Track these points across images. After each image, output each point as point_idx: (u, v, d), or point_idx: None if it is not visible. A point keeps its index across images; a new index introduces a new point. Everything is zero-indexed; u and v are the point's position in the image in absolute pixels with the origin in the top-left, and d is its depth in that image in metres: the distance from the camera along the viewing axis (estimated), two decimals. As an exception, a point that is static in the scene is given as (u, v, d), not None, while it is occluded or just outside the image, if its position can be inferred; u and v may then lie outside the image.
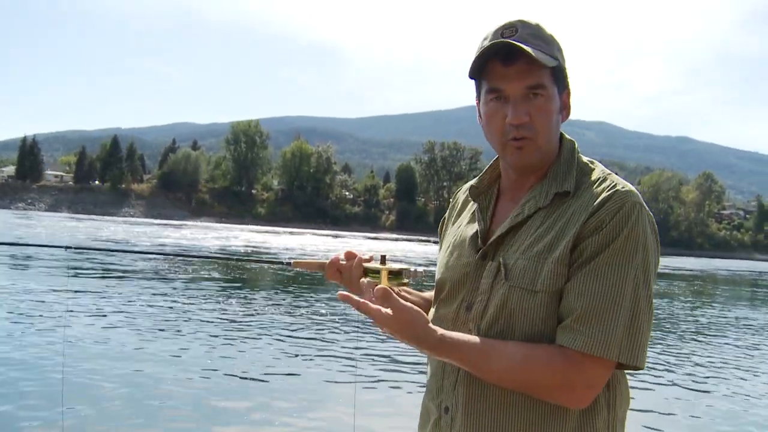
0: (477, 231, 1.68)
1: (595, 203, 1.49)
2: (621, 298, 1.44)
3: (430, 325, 1.48)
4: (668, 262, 57.99)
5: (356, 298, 1.46)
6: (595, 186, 1.55)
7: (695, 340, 13.46)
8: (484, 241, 1.65)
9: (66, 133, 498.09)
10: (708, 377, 9.82)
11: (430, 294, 1.89)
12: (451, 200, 1.94)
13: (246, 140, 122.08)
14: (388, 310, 1.44)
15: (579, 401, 1.47)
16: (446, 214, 1.93)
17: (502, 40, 1.53)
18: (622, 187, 1.51)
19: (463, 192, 1.88)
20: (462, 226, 1.78)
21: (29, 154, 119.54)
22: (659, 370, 9.98)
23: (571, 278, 1.48)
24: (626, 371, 1.56)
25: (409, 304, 1.48)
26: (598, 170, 1.60)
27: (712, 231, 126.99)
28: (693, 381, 9.47)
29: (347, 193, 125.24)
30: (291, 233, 70.31)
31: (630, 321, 1.44)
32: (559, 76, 1.58)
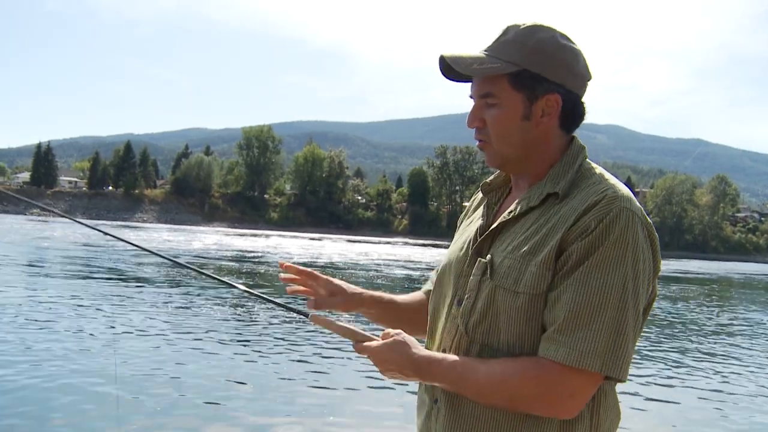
0: (479, 227, 1.70)
1: (583, 207, 1.47)
2: (605, 307, 1.41)
3: (416, 346, 1.58)
4: (682, 266, 57.72)
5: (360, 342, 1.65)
6: (587, 190, 1.52)
7: (708, 345, 13.40)
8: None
9: (80, 139, 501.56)
10: (718, 381, 9.78)
11: (388, 297, 1.96)
12: (474, 195, 1.94)
13: (258, 145, 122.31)
14: (374, 343, 1.62)
15: (564, 412, 1.46)
16: (467, 207, 1.95)
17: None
18: (613, 193, 1.48)
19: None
20: (472, 221, 1.80)
21: (44, 161, 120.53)
22: (669, 374, 9.95)
23: (556, 286, 1.46)
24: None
25: (396, 331, 1.62)
26: (598, 175, 1.57)
27: (726, 234, 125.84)
28: (703, 384, 9.46)
29: (360, 198, 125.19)
30: (305, 238, 70.36)
31: (614, 331, 1.41)
32: (526, 82, 1.56)
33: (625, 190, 1.51)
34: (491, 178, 1.79)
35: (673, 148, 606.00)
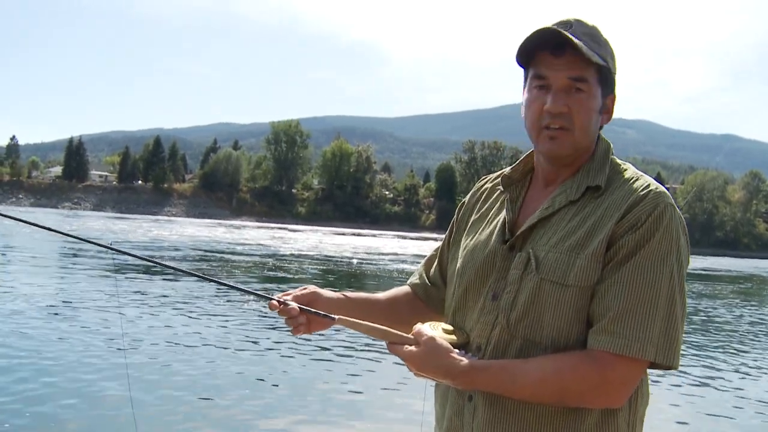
0: (504, 220, 1.69)
1: (630, 201, 1.51)
2: (657, 298, 1.45)
3: (454, 353, 1.53)
4: (713, 263, 56.86)
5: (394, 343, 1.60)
6: (628, 184, 1.56)
7: (736, 344, 13.17)
8: (512, 232, 1.66)
9: (110, 134, 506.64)
10: (742, 380, 9.63)
11: (358, 295, 1.89)
12: (474, 187, 1.93)
13: (286, 140, 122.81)
14: (413, 347, 1.56)
15: (616, 401, 1.49)
16: (466, 199, 1.93)
17: (555, 28, 1.55)
18: (656, 188, 1.53)
19: (490, 181, 1.89)
20: (489, 215, 1.78)
21: (75, 155, 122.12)
22: (697, 371, 9.79)
23: (605, 278, 1.49)
24: (652, 370, 1.55)
25: (430, 335, 1.56)
26: (631, 170, 1.63)
27: (759, 231, 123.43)
28: (727, 382, 9.33)
29: (387, 193, 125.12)
30: (332, 233, 70.48)
31: (666, 321, 1.45)
32: (605, 78, 1.60)
33: (661, 186, 1.56)
34: (509, 170, 1.77)
35: (705, 143, 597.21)
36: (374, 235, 72.08)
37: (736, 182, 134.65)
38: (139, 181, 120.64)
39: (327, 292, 1.81)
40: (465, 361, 1.52)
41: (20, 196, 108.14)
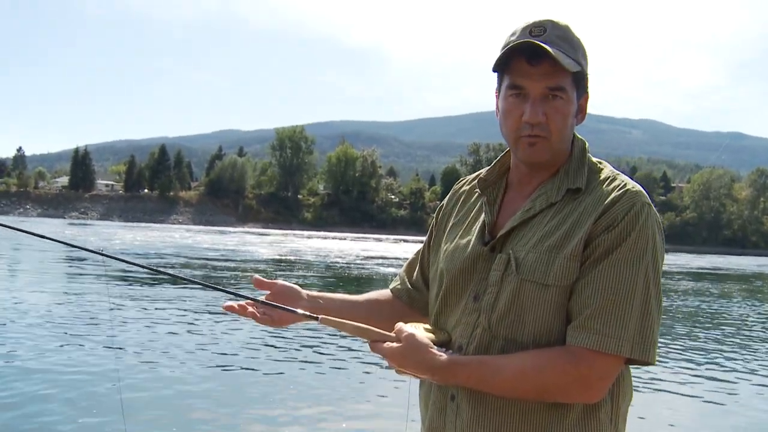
0: (483, 223, 1.71)
1: (607, 201, 1.53)
2: (632, 295, 1.47)
3: (434, 349, 1.55)
4: (721, 262, 56.65)
5: (378, 343, 1.60)
6: (605, 184, 1.59)
7: (741, 343, 13.10)
8: (492, 234, 1.67)
9: (115, 143, 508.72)
10: (739, 378, 9.56)
11: (338, 296, 1.92)
12: (452, 190, 1.94)
13: (291, 146, 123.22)
14: (394, 344, 1.57)
15: (594, 396, 1.51)
16: (444, 202, 1.93)
17: (531, 40, 1.55)
18: (632, 187, 1.56)
19: (467, 183, 1.90)
20: (468, 218, 1.79)
21: (81, 165, 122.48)
22: (694, 369, 9.75)
23: (583, 276, 1.51)
24: (635, 366, 1.59)
25: (411, 331, 1.57)
26: (608, 170, 1.65)
27: (767, 229, 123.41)
28: (721, 381, 9.27)
29: (393, 197, 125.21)
30: (338, 238, 70.46)
31: (641, 317, 1.47)
32: (580, 80, 1.61)
33: (638, 185, 1.58)
34: (485, 173, 1.78)
35: (711, 141, 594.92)
36: (380, 240, 72.06)
37: (743, 180, 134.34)
38: (145, 190, 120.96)
39: (307, 292, 1.84)
40: (445, 356, 1.54)
41: (27, 206, 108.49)
